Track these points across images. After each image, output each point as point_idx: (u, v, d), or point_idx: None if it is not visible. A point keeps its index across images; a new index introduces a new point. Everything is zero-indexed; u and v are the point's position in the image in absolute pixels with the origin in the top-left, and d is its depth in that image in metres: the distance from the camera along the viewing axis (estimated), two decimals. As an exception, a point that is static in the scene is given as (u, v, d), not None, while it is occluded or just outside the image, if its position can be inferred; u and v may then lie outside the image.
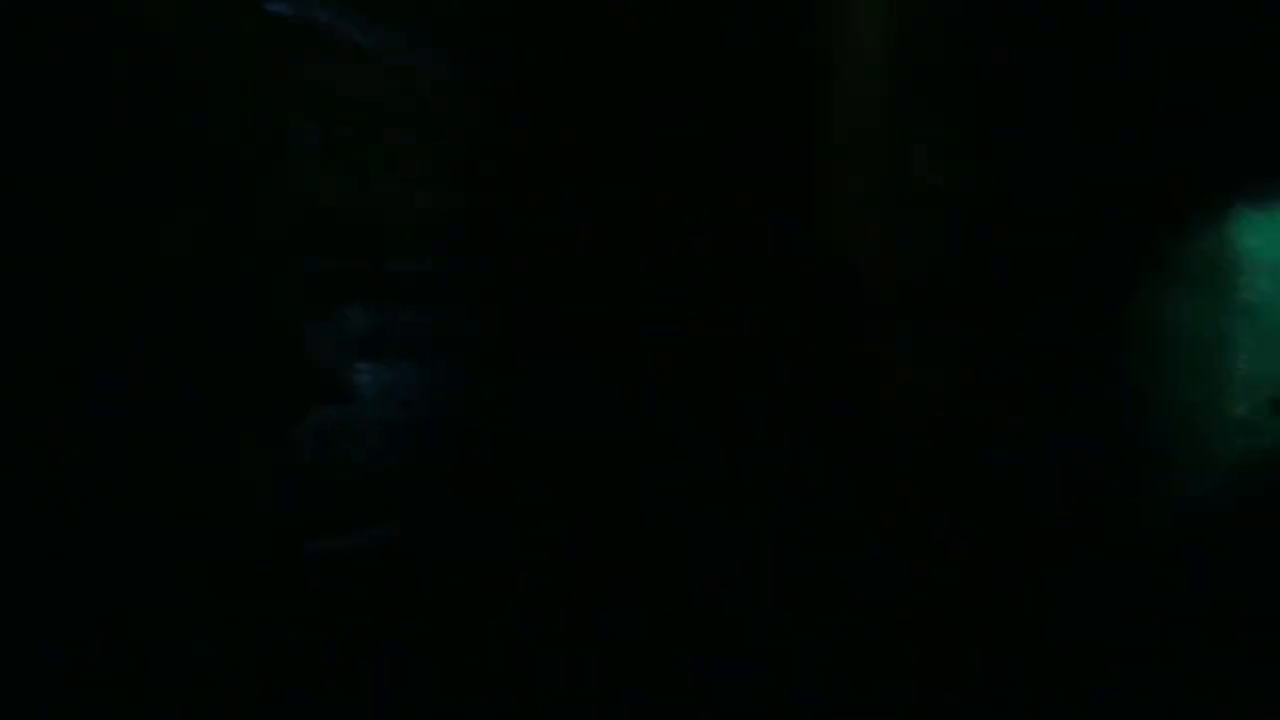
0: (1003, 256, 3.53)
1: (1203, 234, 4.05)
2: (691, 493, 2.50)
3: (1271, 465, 3.64)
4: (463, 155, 1.94)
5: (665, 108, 2.47)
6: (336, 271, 1.71)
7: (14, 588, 1.31)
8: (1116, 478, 3.59)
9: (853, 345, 2.92)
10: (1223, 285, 4.04)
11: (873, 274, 3.01)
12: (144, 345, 1.44)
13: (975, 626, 3.12)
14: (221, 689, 1.54)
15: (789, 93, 2.96)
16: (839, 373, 2.88)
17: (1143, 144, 3.88)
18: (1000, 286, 3.47)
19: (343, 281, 1.72)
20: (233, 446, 1.54)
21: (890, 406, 3.01)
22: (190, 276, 1.49)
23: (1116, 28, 3.71)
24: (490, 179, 1.99)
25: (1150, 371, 3.82)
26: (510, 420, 2.03)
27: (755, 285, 2.74)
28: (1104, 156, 3.81)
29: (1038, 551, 3.37)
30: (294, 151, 1.62)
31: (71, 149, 1.37)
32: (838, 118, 3.17)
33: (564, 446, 2.16)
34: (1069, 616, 3.28)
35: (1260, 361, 3.78)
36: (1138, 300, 3.81)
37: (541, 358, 2.11)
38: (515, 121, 2.06)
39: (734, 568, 2.63)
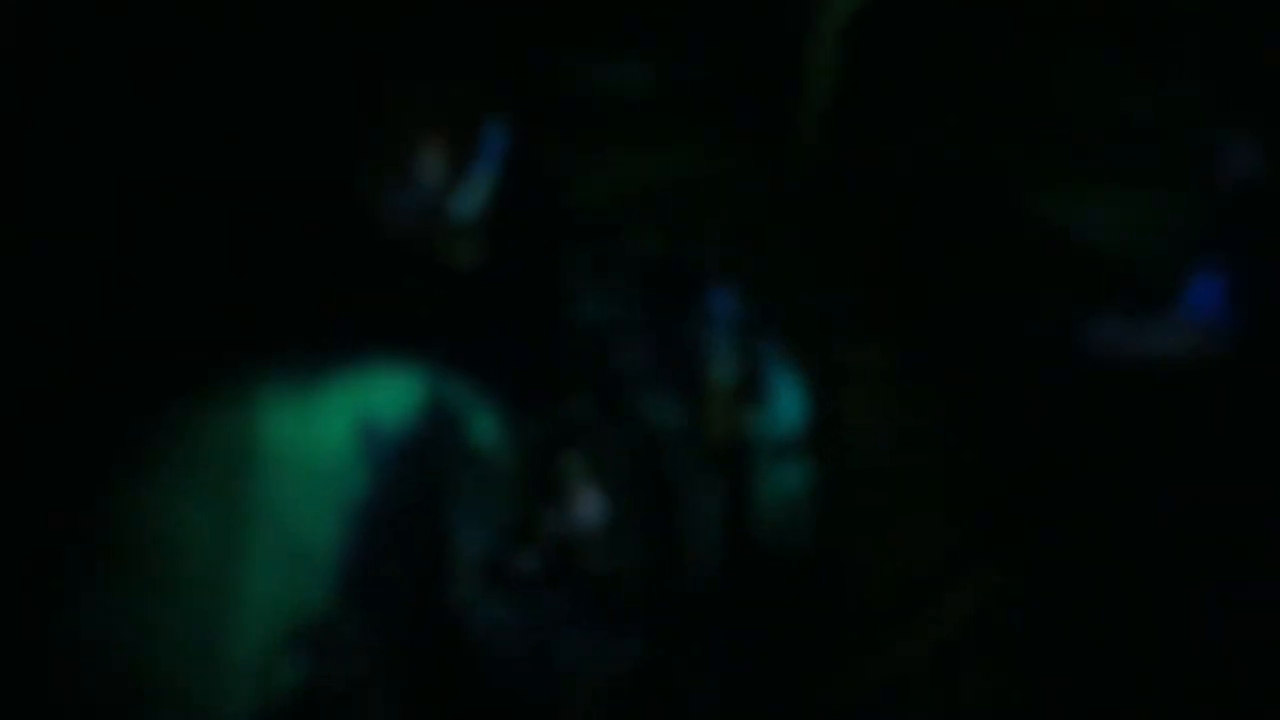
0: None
1: (207, 418, 3.23)
2: None
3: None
4: None
5: None
6: None
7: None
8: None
9: None
10: (234, 483, 3.17)
11: None
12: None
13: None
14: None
15: None
16: None
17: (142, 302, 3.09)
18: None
19: None
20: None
21: None
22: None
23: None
24: None
25: (114, 596, 2.84)
26: None
27: None
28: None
29: None
30: None
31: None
32: None
33: None
34: None
35: (280, 580, 2.89)
36: (105, 496, 2.91)
37: None
38: None
39: None
